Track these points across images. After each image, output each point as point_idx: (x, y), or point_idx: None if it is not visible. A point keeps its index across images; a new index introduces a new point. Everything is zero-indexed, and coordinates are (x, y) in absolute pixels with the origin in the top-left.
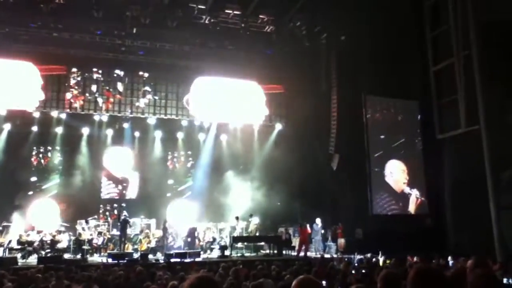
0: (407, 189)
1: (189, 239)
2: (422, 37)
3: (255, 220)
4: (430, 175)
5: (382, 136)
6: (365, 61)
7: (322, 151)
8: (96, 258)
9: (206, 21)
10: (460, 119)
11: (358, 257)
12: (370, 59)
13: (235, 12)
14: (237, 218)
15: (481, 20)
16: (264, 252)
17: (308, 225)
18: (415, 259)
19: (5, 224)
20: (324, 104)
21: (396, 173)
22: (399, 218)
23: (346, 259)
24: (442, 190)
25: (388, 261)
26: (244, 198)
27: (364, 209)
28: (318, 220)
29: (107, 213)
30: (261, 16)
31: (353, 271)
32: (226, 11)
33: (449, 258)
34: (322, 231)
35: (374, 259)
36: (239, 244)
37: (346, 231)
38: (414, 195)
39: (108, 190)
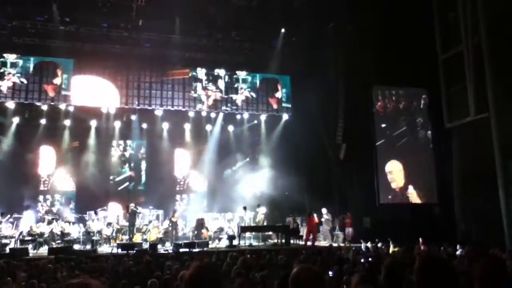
0: (408, 187)
1: (195, 232)
2: (430, 25)
3: (263, 210)
4: (439, 164)
5: (389, 125)
6: (372, 50)
7: (329, 141)
8: (105, 249)
9: (212, 12)
10: (469, 107)
11: (366, 245)
12: (377, 48)
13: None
14: (244, 208)
15: (491, 7)
16: (272, 241)
17: (315, 215)
18: (422, 247)
19: (16, 216)
20: (331, 94)
21: (395, 173)
22: (407, 207)
23: (354, 248)
24: (451, 179)
25: (396, 249)
26: (251, 188)
27: (372, 198)
28: (324, 210)
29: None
30: (267, 7)
31: (362, 260)
32: (232, 1)
33: (458, 246)
34: (330, 221)
35: (383, 247)
36: (247, 234)
37: (353, 220)
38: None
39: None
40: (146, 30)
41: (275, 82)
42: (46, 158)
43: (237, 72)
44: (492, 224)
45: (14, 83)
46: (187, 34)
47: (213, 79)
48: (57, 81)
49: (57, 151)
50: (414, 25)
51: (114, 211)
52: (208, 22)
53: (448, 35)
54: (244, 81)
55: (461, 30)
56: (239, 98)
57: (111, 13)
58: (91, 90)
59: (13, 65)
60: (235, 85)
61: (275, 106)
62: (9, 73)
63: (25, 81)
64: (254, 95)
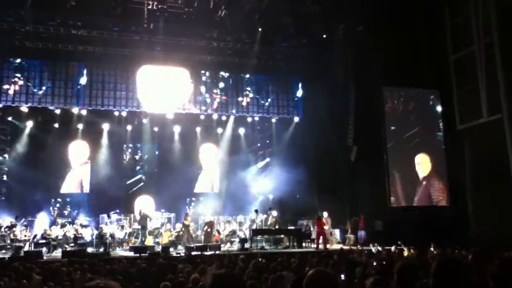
0: (425, 181)
1: (205, 235)
2: (441, 25)
3: (274, 213)
4: (451, 166)
5: (400, 127)
6: (382, 51)
7: (340, 143)
8: (118, 252)
9: (222, 15)
10: (482, 108)
11: (378, 248)
12: (388, 49)
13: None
14: (256, 211)
15: (503, 5)
16: (284, 245)
17: (325, 218)
18: (434, 250)
19: (30, 219)
20: (341, 96)
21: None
22: (419, 209)
23: (366, 251)
24: (463, 181)
25: (410, 252)
26: (263, 191)
27: (383, 200)
28: (325, 214)
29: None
30: (277, 9)
31: (374, 263)
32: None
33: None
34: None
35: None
36: (259, 237)
37: (365, 223)
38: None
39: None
40: (157, 33)
41: (285, 84)
42: (60, 161)
43: (244, 75)
44: (505, 226)
45: (27, 86)
46: (197, 37)
47: (218, 82)
48: (69, 84)
49: (70, 154)
50: (424, 26)
51: (126, 214)
52: (218, 25)
53: (459, 36)
54: (252, 83)
55: (472, 30)
56: (245, 100)
57: (123, 17)
58: (103, 94)
59: (24, 69)
60: (246, 88)
61: (285, 109)
62: (21, 78)
63: (33, 85)
64: (265, 97)
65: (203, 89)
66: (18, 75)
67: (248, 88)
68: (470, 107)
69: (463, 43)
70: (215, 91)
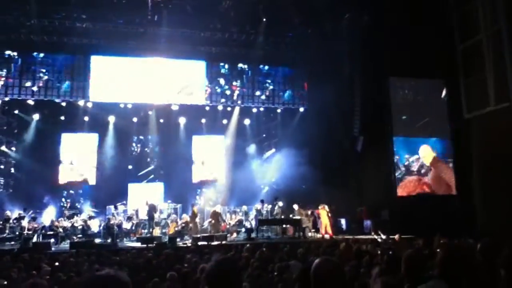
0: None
1: (212, 221)
2: (448, 14)
3: (280, 203)
4: (458, 155)
5: (406, 117)
6: (388, 41)
7: (346, 133)
8: (125, 243)
9: (226, 6)
10: (489, 97)
11: (384, 238)
12: (393, 39)
13: None
14: (262, 201)
15: None
16: (290, 234)
17: (326, 206)
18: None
19: (38, 210)
20: (347, 86)
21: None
22: (425, 199)
23: (372, 241)
24: (470, 171)
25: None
26: (268, 181)
27: (390, 190)
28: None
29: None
30: None
31: (379, 252)
32: None
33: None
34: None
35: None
36: (265, 227)
37: (371, 212)
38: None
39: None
40: (161, 25)
41: (290, 74)
42: (66, 153)
43: (249, 65)
44: None
45: (47, 80)
46: (202, 29)
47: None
48: (74, 77)
49: (76, 146)
50: (431, 15)
51: (133, 205)
52: (222, 16)
53: (466, 24)
54: (257, 73)
55: (480, 18)
56: (250, 91)
57: (127, 9)
58: (109, 86)
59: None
60: (251, 78)
61: (290, 99)
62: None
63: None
64: (270, 88)
65: (208, 80)
66: (43, 70)
67: (254, 79)
68: (477, 96)
69: (470, 32)
70: (220, 82)
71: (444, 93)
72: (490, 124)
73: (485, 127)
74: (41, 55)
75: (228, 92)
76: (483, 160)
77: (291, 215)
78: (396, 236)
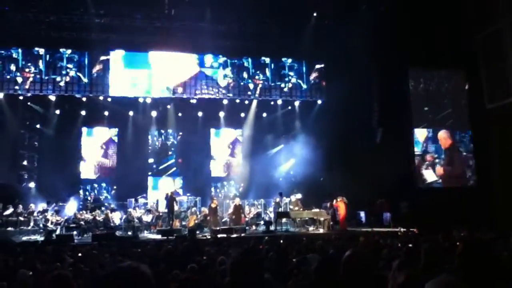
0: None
1: (233, 217)
2: (465, 3)
3: (298, 196)
4: (479, 146)
5: (426, 108)
6: (406, 32)
7: (364, 125)
8: (146, 235)
9: None
10: (510, 87)
11: (403, 230)
12: (411, 30)
13: None
14: (280, 194)
15: None
16: (308, 227)
17: (344, 198)
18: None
19: (61, 204)
20: (365, 77)
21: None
22: (445, 191)
23: (391, 233)
24: (492, 162)
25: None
26: (287, 174)
27: (409, 182)
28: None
29: None
30: None
31: (399, 245)
32: None
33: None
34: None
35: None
36: (283, 220)
37: (390, 205)
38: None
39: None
40: (178, 19)
41: (307, 67)
42: (87, 147)
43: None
44: None
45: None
46: (218, 22)
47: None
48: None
49: (97, 141)
50: (449, 4)
51: (153, 198)
52: (238, 9)
53: (486, 13)
54: (274, 66)
55: (499, 6)
56: (268, 84)
57: (144, 4)
58: (129, 81)
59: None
60: (270, 71)
61: (308, 92)
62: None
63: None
64: (287, 81)
65: (227, 72)
66: (69, 65)
67: (271, 72)
68: (499, 86)
69: (490, 21)
70: (239, 75)
71: (462, 83)
72: (511, 114)
73: (506, 117)
74: (68, 51)
75: (251, 86)
76: (504, 151)
77: (296, 208)
78: (415, 229)
